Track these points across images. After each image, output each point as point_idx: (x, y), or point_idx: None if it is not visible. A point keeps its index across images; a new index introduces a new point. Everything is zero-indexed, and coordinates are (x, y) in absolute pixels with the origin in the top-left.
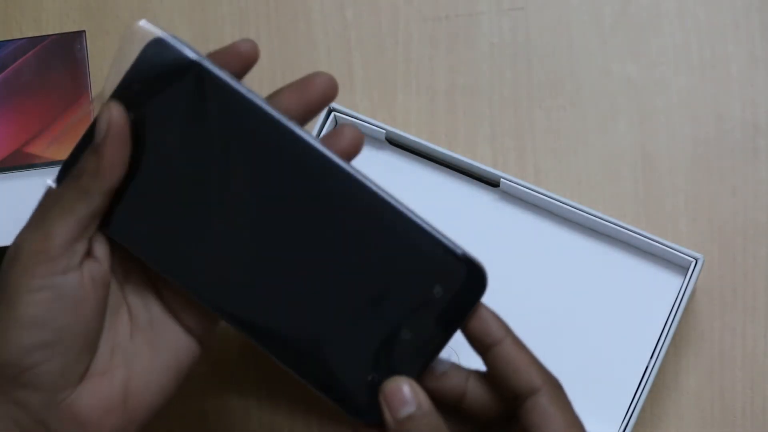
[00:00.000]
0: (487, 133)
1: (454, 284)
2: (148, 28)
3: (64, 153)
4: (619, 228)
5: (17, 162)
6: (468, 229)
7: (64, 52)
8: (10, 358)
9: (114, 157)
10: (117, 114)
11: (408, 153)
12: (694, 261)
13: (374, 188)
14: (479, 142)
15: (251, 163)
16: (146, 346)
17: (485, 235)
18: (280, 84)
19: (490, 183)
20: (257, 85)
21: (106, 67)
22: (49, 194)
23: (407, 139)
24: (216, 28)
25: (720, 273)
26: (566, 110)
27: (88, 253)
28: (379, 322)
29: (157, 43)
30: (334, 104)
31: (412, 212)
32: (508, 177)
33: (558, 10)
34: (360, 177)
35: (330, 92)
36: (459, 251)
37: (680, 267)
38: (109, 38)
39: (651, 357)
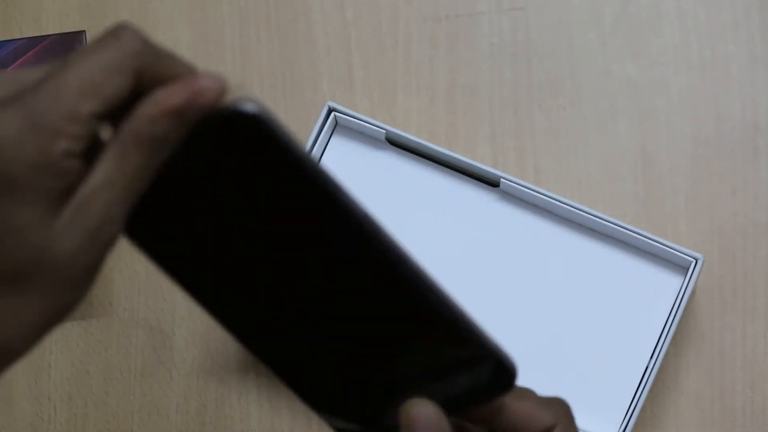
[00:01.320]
0: (487, 133)
1: (483, 377)
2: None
3: None
4: (619, 228)
5: None
6: (468, 229)
7: (64, 52)
8: None
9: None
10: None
11: (408, 153)
12: (694, 261)
13: (432, 280)
14: (479, 142)
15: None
16: None
17: (485, 235)
18: (280, 84)
19: (490, 183)
20: (257, 86)
21: None
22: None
23: (407, 139)
24: (216, 28)
25: (720, 273)
26: (566, 110)
27: None
28: (402, 384)
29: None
30: (334, 104)
31: (462, 308)
32: (508, 177)
33: (558, 10)
34: (417, 264)
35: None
36: (498, 350)
37: (680, 267)
38: None
39: (651, 357)
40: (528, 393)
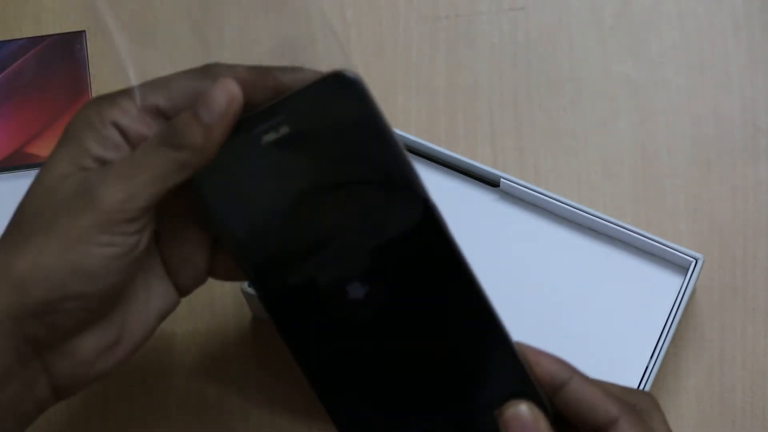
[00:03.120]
0: (487, 133)
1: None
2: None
3: None
4: (619, 228)
5: (17, 162)
6: (468, 229)
7: (64, 52)
8: (48, 297)
9: (221, 138)
10: (237, 94)
11: (408, 153)
12: (694, 261)
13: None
14: (479, 142)
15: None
16: (142, 292)
17: (485, 235)
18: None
19: (490, 183)
20: None
21: (106, 67)
22: (143, 151)
23: (407, 139)
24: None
25: (720, 273)
26: (566, 110)
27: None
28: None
29: (349, 82)
30: None
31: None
32: (508, 177)
33: (558, 10)
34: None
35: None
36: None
37: (680, 267)
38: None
39: (651, 357)
40: (600, 384)
